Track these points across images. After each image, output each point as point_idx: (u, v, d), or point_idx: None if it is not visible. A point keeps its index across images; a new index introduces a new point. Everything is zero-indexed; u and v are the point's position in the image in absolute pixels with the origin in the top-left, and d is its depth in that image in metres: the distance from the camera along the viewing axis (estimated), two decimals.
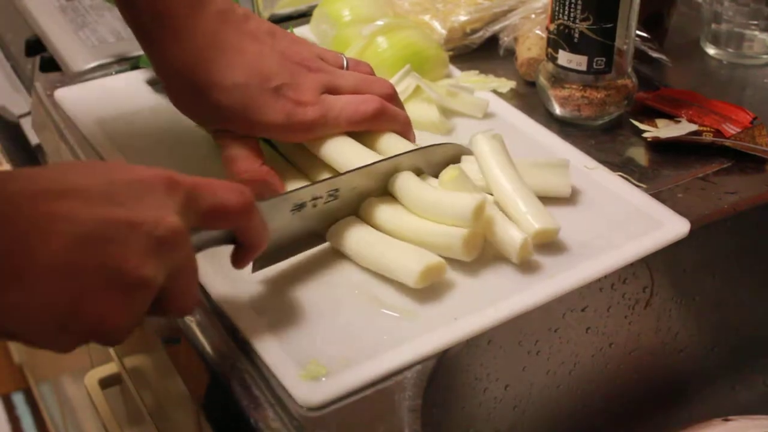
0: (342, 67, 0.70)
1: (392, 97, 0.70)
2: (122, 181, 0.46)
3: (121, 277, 0.44)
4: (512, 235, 0.60)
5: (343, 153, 0.66)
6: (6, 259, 0.42)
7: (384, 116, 0.68)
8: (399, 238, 0.61)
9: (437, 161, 0.67)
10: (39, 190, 0.43)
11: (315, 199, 0.60)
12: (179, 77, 0.64)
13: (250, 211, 0.52)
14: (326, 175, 0.66)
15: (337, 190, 0.61)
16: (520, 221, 0.62)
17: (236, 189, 0.51)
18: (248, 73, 0.64)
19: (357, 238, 0.61)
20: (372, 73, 0.72)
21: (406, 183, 0.63)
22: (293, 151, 0.69)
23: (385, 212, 0.63)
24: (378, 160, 0.64)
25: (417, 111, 0.76)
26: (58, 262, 0.42)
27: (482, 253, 0.62)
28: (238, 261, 0.55)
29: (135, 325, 0.47)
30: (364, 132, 0.68)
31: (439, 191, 0.62)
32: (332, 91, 0.67)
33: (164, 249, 0.46)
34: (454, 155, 0.68)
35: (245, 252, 0.54)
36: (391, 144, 0.67)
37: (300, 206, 0.59)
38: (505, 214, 0.62)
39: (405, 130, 0.70)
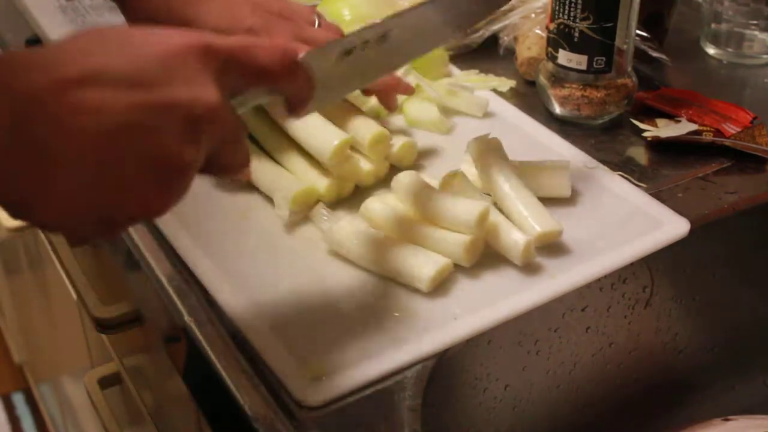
0: (313, 23, 0.71)
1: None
2: (152, 57, 0.43)
3: (162, 164, 0.42)
4: (515, 239, 0.60)
5: (314, 133, 0.66)
6: (37, 163, 0.39)
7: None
8: (399, 239, 0.61)
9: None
10: (60, 78, 0.40)
11: (365, 43, 0.56)
12: (151, 23, 0.63)
13: (294, 70, 0.50)
14: (296, 158, 0.68)
15: (385, 34, 0.57)
16: (522, 224, 0.62)
17: (278, 49, 0.48)
18: (219, 17, 0.65)
19: (358, 240, 0.61)
20: (342, 35, 0.72)
21: (409, 183, 0.63)
22: (264, 133, 0.70)
23: (385, 212, 0.62)
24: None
25: (417, 110, 0.76)
26: (92, 159, 0.40)
27: (482, 253, 0.62)
28: (291, 109, 0.52)
29: (180, 200, 0.45)
30: (334, 114, 0.68)
31: (443, 195, 0.62)
32: (304, 40, 0.66)
33: (204, 128, 0.44)
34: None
35: (295, 105, 0.52)
36: (363, 126, 0.68)
37: (348, 52, 0.55)
38: (507, 217, 0.62)
39: (386, 92, 0.70)
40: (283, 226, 0.65)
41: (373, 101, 0.73)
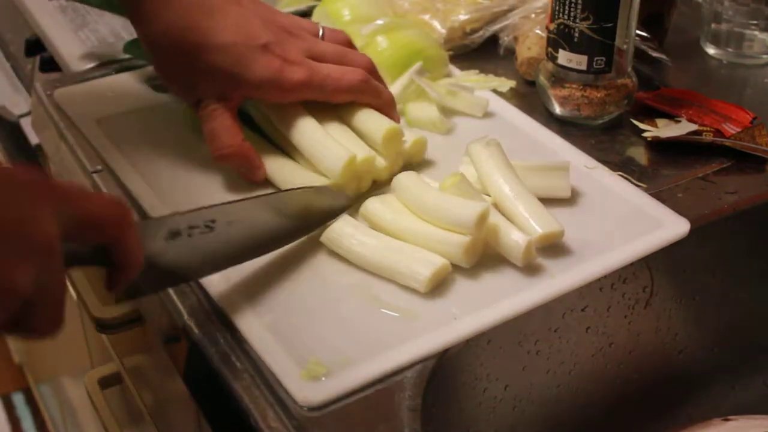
0: (318, 36, 0.71)
1: (372, 70, 0.70)
2: None
3: None
4: (516, 239, 0.60)
5: (310, 137, 0.67)
6: None
7: (368, 89, 0.68)
8: (398, 239, 0.61)
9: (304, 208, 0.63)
10: None
11: (191, 228, 0.55)
12: (167, 40, 0.65)
13: (127, 225, 0.48)
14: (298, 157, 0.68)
15: (213, 221, 0.56)
16: (523, 225, 0.62)
17: (112, 201, 0.48)
18: (235, 33, 0.65)
19: (357, 240, 0.61)
20: (350, 44, 0.73)
21: (409, 183, 0.63)
22: (273, 129, 0.70)
23: (385, 212, 0.62)
24: (265, 194, 0.64)
25: (417, 110, 0.76)
26: None
27: (482, 253, 0.62)
28: (112, 283, 0.50)
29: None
30: (342, 107, 0.69)
31: (442, 196, 0.62)
32: (315, 58, 0.68)
33: (35, 256, 0.42)
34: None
35: (119, 273, 0.49)
36: (370, 119, 0.68)
37: (175, 234, 0.54)
38: (507, 219, 0.62)
39: (387, 106, 0.70)
40: None
41: None
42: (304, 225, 0.62)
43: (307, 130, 0.67)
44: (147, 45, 0.68)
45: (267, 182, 0.69)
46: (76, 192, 0.47)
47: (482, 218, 0.59)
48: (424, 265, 0.59)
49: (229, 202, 0.59)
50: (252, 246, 0.59)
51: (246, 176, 0.68)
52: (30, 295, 0.42)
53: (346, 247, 0.61)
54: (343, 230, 0.62)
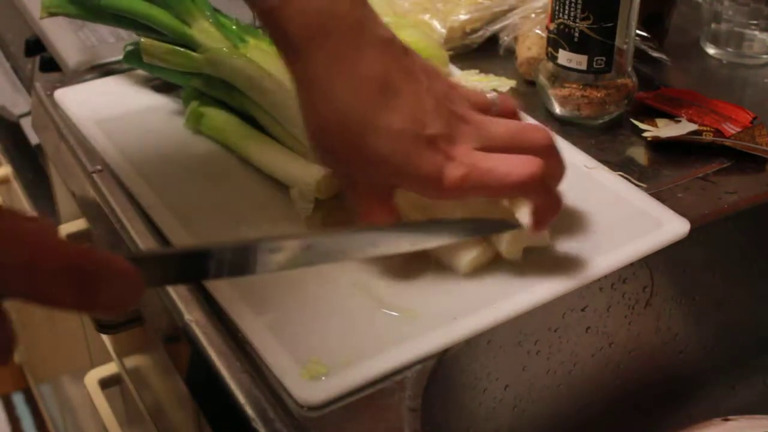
0: (490, 109, 0.62)
1: (549, 150, 0.60)
2: None
3: None
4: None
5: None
6: None
7: (535, 189, 0.58)
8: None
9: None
10: None
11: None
12: (329, 111, 0.57)
13: (92, 299, 0.39)
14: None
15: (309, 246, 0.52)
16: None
17: (70, 278, 0.38)
18: (404, 118, 0.57)
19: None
20: (516, 114, 0.65)
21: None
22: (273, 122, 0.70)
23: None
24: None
25: None
26: None
27: (482, 253, 0.62)
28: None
29: None
30: None
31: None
32: (484, 145, 0.59)
33: None
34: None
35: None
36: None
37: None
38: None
39: (548, 212, 0.59)
40: (277, 225, 0.65)
41: None
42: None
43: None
44: (305, 110, 0.59)
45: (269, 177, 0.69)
46: (20, 264, 0.37)
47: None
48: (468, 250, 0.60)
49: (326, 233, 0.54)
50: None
51: None
52: None
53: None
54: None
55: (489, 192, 0.59)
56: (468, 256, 0.60)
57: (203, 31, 0.74)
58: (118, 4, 0.76)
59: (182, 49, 0.74)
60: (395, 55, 0.59)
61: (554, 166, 0.60)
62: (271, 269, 0.49)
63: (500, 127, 0.60)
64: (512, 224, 0.59)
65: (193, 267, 0.47)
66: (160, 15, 0.74)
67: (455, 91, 0.61)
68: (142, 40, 0.75)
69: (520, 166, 0.57)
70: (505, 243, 0.60)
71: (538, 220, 0.59)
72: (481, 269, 0.61)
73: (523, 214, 0.59)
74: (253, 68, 0.70)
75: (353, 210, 0.61)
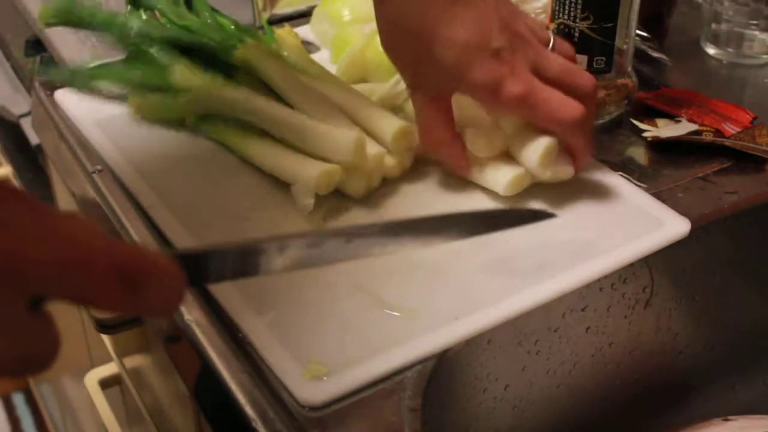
0: (548, 45, 0.68)
1: (591, 96, 0.66)
2: None
3: None
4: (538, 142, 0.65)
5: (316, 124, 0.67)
6: None
7: (578, 131, 0.65)
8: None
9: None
10: None
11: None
12: (403, 21, 0.64)
13: (138, 300, 0.38)
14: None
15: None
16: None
17: (115, 281, 0.37)
18: (471, 31, 0.63)
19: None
20: (572, 56, 0.70)
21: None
22: (275, 120, 0.69)
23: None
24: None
25: None
26: None
27: (482, 252, 0.62)
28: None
29: None
30: (350, 105, 0.70)
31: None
32: (539, 72, 0.65)
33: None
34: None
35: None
36: (380, 118, 0.69)
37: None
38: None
39: (582, 152, 0.67)
40: (278, 225, 0.65)
41: (384, 89, 0.74)
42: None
43: (312, 118, 0.68)
44: (382, 21, 0.66)
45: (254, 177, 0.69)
46: (60, 266, 0.36)
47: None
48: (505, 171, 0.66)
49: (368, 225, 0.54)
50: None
51: (451, 170, 0.69)
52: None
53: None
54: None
55: (536, 118, 0.65)
56: (506, 178, 0.66)
57: (180, 72, 0.73)
58: (100, 74, 0.78)
59: (163, 101, 0.75)
60: None
61: (591, 112, 0.66)
62: (283, 268, 0.48)
63: (556, 60, 0.66)
64: (544, 214, 0.62)
65: (243, 264, 0.45)
66: (137, 76, 0.76)
67: (521, 17, 0.67)
68: (130, 99, 0.76)
69: (569, 106, 0.64)
70: (537, 165, 0.65)
71: (576, 160, 0.67)
72: (476, 273, 0.61)
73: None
74: (235, 94, 0.71)
75: (415, 115, 0.67)
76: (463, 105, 0.68)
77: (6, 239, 0.34)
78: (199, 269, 0.43)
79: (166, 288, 0.39)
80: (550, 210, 0.64)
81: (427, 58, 0.64)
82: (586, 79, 0.66)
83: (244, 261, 0.45)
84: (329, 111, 0.69)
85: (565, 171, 0.67)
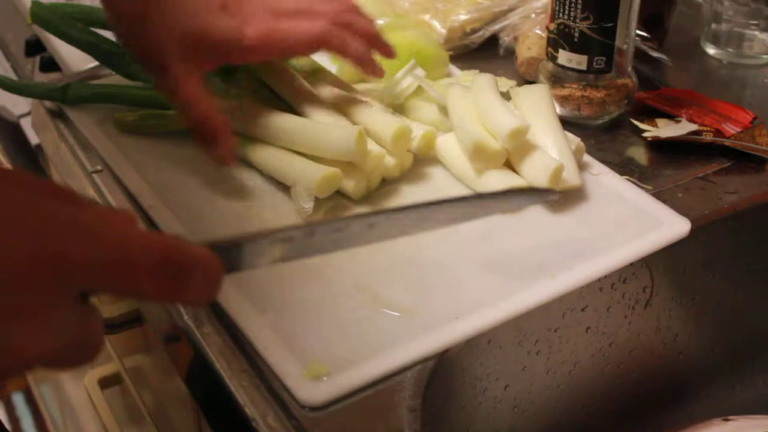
0: (353, 10, 0.70)
1: (348, 11, 0.68)
2: None
3: None
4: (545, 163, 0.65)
5: (316, 119, 0.68)
6: None
7: (335, 39, 0.66)
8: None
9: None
10: None
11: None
12: (126, 6, 0.64)
13: (181, 287, 0.39)
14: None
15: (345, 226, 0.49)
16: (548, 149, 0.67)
17: (161, 266, 0.37)
18: None
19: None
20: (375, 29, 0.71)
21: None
22: (273, 123, 0.69)
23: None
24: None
25: (417, 110, 0.76)
26: None
27: (482, 252, 0.62)
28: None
29: None
30: (348, 107, 0.69)
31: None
32: (275, 11, 0.66)
33: (17, 373, 0.36)
34: None
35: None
36: (378, 119, 0.68)
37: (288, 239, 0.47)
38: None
39: (361, 60, 0.68)
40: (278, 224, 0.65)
41: (384, 89, 0.75)
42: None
43: (313, 113, 0.68)
44: (109, 8, 0.66)
45: (270, 179, 0.69)
46: (106, 262, 0.36)
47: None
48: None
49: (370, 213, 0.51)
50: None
51: (214, 153, 0.65)
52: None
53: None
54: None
55: (289, 51, 0.67)
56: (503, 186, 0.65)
57: None
58: (88, 92, 0.77)
59: (154, 112, 0.74)
60: None
61: (357, 23, 0.68)
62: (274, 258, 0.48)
63: (360, 17, 0.68)
64: (545, 193, 0.62)
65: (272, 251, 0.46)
66: (129, 92, 0.76)
67: None
68: (116, 115, 0.75)
69: (312, 24, 0.66)
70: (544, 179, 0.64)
71: (361, 65, 0.67)
72: (476, 273, 0.61)
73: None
74: (234, 106, 0.70)
75: (168, 92, 0.65)
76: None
77: (52, 240, 0.35)
78: (233, 258, 0.44)
79: (207, 277, 0.40)
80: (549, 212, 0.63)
81: (161, 28, 0.63)
82: (324, 8, 0.67)
83: (272, 248, 0.46)
84: (329, 111, 0.69)
85: (573, 180, 0.67)
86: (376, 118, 0.69)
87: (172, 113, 0.72)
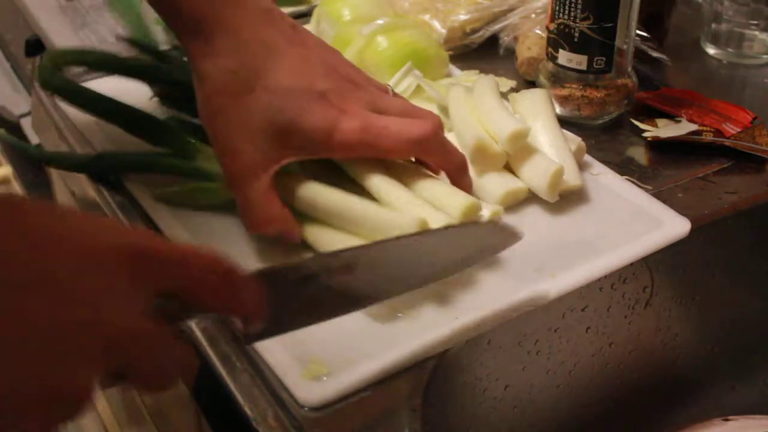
0: (386, 92, 0.65)
1: (440, 129, 0.62)
2: (69, 256, 0.36)
3: (53, 394, 0.35)
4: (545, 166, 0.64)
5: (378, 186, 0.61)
6: None
7: (435, 146, 0.61)
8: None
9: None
10: None
11: (328, 271, 0.49)
12: (219, 77, 0.58)
13: (233, 293, 0.43)
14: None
15: (354, 263, 0.50)
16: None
17: (215, 268, 0.42)
18: (293, 76, 0.59)
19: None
20: (411, 109, 0.65)
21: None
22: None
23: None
24: (409, 234, 0.56)
25: None
26: None
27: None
28: (243, 334, 0.47)
29: (68, 421, 0.38)
30: (413, 182, 0.62)
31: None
32: (378, 112, 0.61)
33: (110, 351, 0.37)
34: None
35: (243, 324, 0.46)
36: (444, 193, 0.61)
37: (308, 278, 0.49)
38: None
39: (458, 170, 0.63)
40: None
41: None
42: (458, 265, 0.56)
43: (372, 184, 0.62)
44: (196, 79, 0.60)
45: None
46: (170, 260, 0.40)
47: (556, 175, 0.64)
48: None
49: (373, 244, 0.52)
50: (398, 285, 0.54)
51: (284, 240, 0.62)
52: (123, 370, 0.39)
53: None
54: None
55: (383, 149, 0.60)
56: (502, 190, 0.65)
57: (210, 157, 0.65)
58: (122, 161, 0.70)
59: (198, 185, 0.67)
60: (279, 24, 0.61)
61: (451, 144, 0.63)
62: None
63: (395, 101, 0.63)
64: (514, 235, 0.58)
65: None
66: (158, 161, 0.68)
67: (349, 64, 0.64)
68: (156, 191, 0.67)
69: (415, 124, 0.60)
70: (546, 191, 0.65)
71: (454, 179, 0.62)
72: (476, 273, 0.61)
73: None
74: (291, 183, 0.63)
75: (244, 198, 0.60)
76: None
77: (131, 237, 0.40)
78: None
79: (251, 289, 0.44)
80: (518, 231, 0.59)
81: (250, 112, 0.58)
82: (429, 113, 0.63)
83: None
84: (392, 188, 0.62)
85: (573, 181, 0.66)
86: (441, 192, 0.62)
87: (216, 186, 0.65)
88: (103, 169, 0.70)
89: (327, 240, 0.61)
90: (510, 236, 0.57)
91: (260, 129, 0.58)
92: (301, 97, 0.58)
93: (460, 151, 0.64)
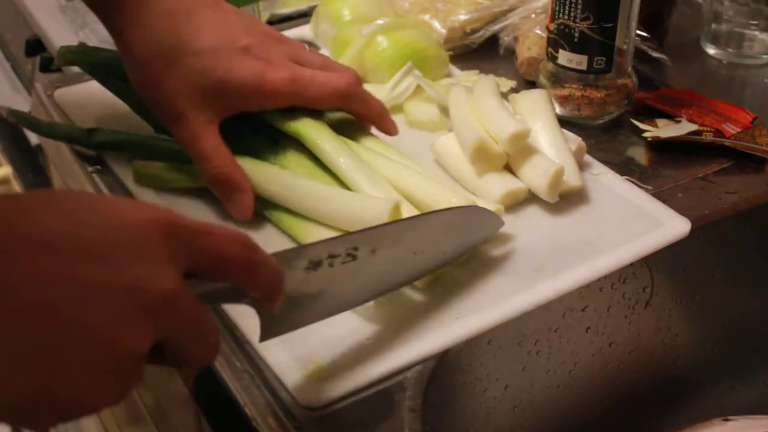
0: (303, 48, 0.69)
1: (359, 81, 0.67)
2: (106, 228, 0.38)
3: (100, 352, 0.37)
4: (545, 167, 0.64)
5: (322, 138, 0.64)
6: None
7: (356, 95, 0.66)
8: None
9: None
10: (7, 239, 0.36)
11: (332, 257, 0.50)
12: (144, 46, 0.62)
13: (253, 265, 0.45)
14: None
15: (356, 248, 0.51)
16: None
17: (238, 240, 0.44)
18: (215, 35, 0.63)
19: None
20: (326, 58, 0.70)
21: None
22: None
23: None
24: (406, 218, 0.57)
25: (418, 110, 0.76)
26: (24, 330, 0.35)
27: (482, 253, 0.62)
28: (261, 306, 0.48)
29: (122, 396, 0.39)
30: (401, 178, 0.63)
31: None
32: (300, 63, 0.66)
33: (156, 314, 0.39)
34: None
35: (264, 306, 0.48)
36: (436, 194, 0.62)
37: (316, 264, 0.50)
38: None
39: (379, 116, 0.68)
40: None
41: (384, 90, 0.75)
42: (456, 250, 0.59)
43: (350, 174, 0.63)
44: (124, 54, 0.64)
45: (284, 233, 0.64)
46: (202, 233, 0.42)
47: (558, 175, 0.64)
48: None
49: (368, 229, 0.53)
50: (399, 276, 0.56)
51: (232, 207, 0.64)
52: (163, 342, 0.41)
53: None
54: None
55: (311, 99, 0.64)
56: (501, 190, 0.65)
57: None
58: (113, 138, 0.71)
59: (176, 166, 0.68)
60: None
61: (370, 93, 0.68)
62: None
63: (314, 54, 0.68)
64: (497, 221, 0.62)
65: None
66: (159, 144, 0.69)
67: (264, 24, 0.68)
68: (134, 163, 0.69)
69: (337, 76, 0.65)
70: (546, 191, 0.65)
71: (378, 124, 0.68)
72: (476, 273, 0.61)
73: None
74: (263, 172, 0.65)
75: (188, 144, 0.63)
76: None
77: (162, 211, 0.41)
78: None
79: (270, 268, 0.46)
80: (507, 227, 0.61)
81: (180, 75, 0.62)
82: (349, 69, 0.68)
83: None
84: (371, 177, 0.62)
85: (573, 181, 0.67)
86: (429, 189, 0.62)
87: (192, 167, 0.66)
88: (95, 143, 0.72)
89: (303, 229, 0.62)
90: (493, 219, 0.61)
91: (196, 91, 0.63)
92: (228, 53, 0.63)
93: (460, 150, 0.67)
